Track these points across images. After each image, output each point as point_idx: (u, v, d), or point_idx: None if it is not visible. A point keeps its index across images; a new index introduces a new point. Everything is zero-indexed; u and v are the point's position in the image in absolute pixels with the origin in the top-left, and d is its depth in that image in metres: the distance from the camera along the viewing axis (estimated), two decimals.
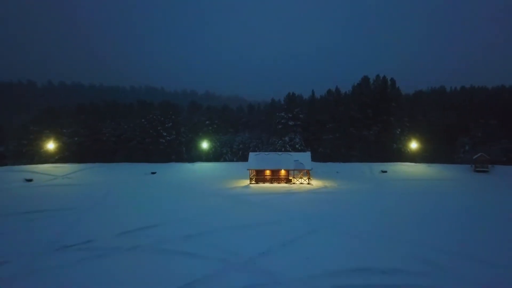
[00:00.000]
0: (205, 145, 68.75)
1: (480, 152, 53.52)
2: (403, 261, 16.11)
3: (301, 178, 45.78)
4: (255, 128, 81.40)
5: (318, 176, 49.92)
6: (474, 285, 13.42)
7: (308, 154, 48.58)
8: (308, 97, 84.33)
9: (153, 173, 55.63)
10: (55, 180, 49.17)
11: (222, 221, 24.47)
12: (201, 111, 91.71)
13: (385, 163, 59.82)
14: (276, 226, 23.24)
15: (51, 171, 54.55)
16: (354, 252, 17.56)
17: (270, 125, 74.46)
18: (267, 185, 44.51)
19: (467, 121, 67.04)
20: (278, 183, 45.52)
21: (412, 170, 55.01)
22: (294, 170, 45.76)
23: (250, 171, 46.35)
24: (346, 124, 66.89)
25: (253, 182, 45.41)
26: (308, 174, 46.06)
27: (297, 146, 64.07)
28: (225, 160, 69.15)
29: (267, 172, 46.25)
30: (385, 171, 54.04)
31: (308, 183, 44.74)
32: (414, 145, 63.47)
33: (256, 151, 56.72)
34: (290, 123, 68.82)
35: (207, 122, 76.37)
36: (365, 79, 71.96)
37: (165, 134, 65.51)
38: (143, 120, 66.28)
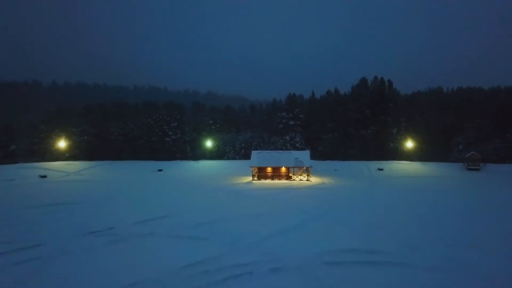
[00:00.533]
0: (209, 143, 71.36)
1: (473, 151, 55.86)
2: (386, 244, 18.64)
3: (300, 175, 48.31)
4: (256, 128, 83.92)
5: (317, 174, 52.41)
6: (441, 261, 15.96)
7: (307, 153, 51.08)
8: (308, 97, 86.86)
9: (159, 170, 58.28)
10: (68, 177, 51.90)
11: (228, 212, 27.09)
12: (204, 111, 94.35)
13: (382, 161, 62.23)
14: (276, 216, 25.81)
15: (63, 168, 57.33)
16: (344, 237, 20.13)
17: (272, 125, 77.00)
18: (268, 181, 47.08)
19: (462, 121, 69.27)
20: (279, 179, 48.07)
21: (408, 168, 57.44)
22: (294, 167, 48.29)
23: (253, 168, 48.90)
24: (345, 124, 69.32)
25: (256, 178, 47.98)
26: (308, 171, 48.59)
27: (297, 145, 66.59)
28: (228, 158, 71.71)
29: (269, 169, 48.80)
30: (382, 169, 56.47)
31: (307, 180, 47.26)
32: (409, 144, 65.86)
33: (258, 150, 59.24)
34: (291, 122, 71.35)
35: (210, 121, 78.94)
36: (364, 80, 74.34)
37: (170, 133, 68.17)
38: (149, 119, 68.93)
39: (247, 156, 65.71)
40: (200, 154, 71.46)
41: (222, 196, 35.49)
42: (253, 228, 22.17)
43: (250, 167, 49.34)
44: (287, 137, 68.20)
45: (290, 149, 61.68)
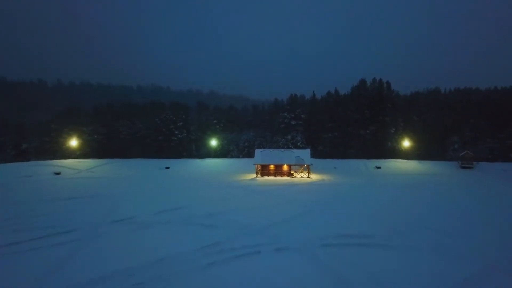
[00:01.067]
0: (214, 142, 74.15)
1: (467, 150, 58.43)
2: (375, 230, 21.30)
3: (301, 172, 51.05)
4: (259, 127, 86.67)
5: (317, 171, 55.09)
6: (420, 243, 18.65)
7: (308, 151, 53.81)
8: (309, 97, 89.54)
9: (167, 168, 61.11)
10: (81, 173, 54.79)
11: (235, 204, 29.81)
12: (208, 111, 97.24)
13: (380, 160, 64.87)
14: (279, 208, 28.52)
15: (75, 165, 60.23)
16: (339, 225, 22.83)
17: (274, 124, 79.72)
18: (271, 178, 49.85)
19: (459, 121, 71.81)
20: (281, 176, 50.82)
21: (404, 166, 60.06)
22: (295, 165, 51.02)
23: (256, 165, 51.64)
24: (345, 124, 71.94)
25: (259, 175, 50.77)
26: (308, 168, 51.31)
27: (298, 144, 69.29)
28: (231, 157, 74.46)
29: (271, 167, 51.54)
30: (379, 167, 59.11)
31: (308, 177, 49.99)
32: (406, 143, 68.43)
33: (261, 148, 62.01)
34: (293, 122, 74.04)
35: (214, 121, 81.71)
36: (363, 81, 76.92)
37: (177, 132, 70.98)
38: (156, 119, 71.75)
39: (250, 155, 68.50)
40: (205, 153, 74.26)
41: (228, 191, 38.26)
42: (259, 218, 24.88)
43: (254, 164, 52.08)
44: (289, 137, 70.91)
45: (291, 148, 64.38)
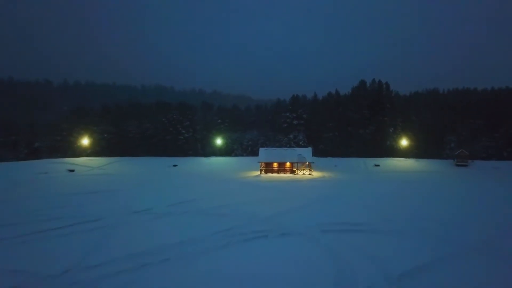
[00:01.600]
0: (219, 141, 76.93)
1: (463, 149, 60.85)
2: (369, 219, 23.95)
3: (303, 169, 53.69)
4: (262, 126, 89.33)
5: (318, 169, 57.70)
6: (405, 228, 21.30)
7: (309, 150, 56.48)
8: (311, 98, 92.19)
9: (174, 165, 63.86)
10: (93, 171, 57.61)
11: (243, 198, 32.51)
12: (213, 111, 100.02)
13: (379, 158, 67.39)
14: (283, 201, 31.21)
15: (87, 163, 63.10)
16: (337, 214, 25.47)
17: (276, 124, 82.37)
18: (274, 175, 52.53)
19: (456, 120, 74.14)
20: (284, 173, 53.48)
21: (402, 164, 62.57)
22: (297, 162, 53.68)
23: (261, 163, 54.31)
24: (345, 124, 74.48)
25: (263, 172, 53.46)
26: (310, 166, 53.94)
27: (300, 142, 71.91)
28: (236, 155, 77.18)
29: (275, 164, 54.24)
30: (378, 165, 61.63)
31: (309, 174, 52.63)
32: (404, 142, 70.90)
33: (264, 147, 64.69)
34: (295, 122, 76.68)
35: (219, 121, 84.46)
36: (363, 82, 79.41)
37: (183, 131, 73.76)
38: (164, 119, 74.53)
39: (253, 153, 71.26)
40: (210, 151, 77.01)
41: (235, 186, 40.98)
42: (264, 209, 27.55)
43: (258, 162, 54.77)
44: (291, 136, 73.55)
45: (294, 147, 67.03)
